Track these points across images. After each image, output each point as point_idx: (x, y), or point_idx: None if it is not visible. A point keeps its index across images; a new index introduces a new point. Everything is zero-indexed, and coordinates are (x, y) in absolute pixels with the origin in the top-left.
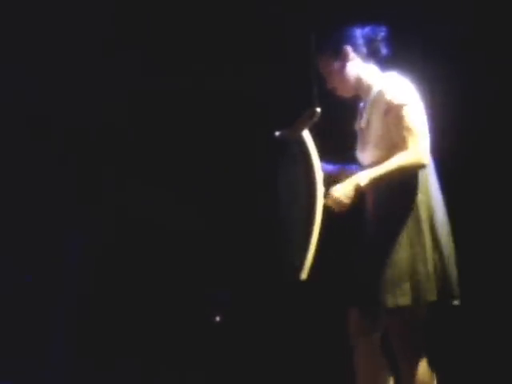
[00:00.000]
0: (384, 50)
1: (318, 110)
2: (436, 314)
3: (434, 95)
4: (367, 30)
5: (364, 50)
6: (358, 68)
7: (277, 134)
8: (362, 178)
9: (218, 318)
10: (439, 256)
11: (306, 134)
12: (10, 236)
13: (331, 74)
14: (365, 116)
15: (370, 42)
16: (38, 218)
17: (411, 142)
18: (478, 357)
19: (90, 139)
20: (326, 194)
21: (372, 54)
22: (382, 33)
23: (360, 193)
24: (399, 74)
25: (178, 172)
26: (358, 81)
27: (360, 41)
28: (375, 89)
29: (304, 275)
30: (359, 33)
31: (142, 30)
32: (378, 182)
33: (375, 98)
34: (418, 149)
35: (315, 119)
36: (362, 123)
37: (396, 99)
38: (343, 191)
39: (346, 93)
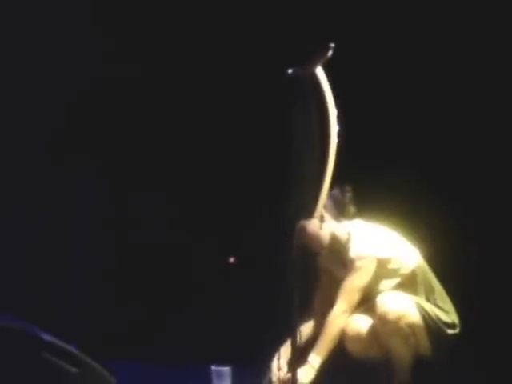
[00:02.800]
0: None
1: (332, 45)
2: None
3: None
4: (335, 191)
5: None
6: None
7: (290, 71)
8: (314, 361)
9: (231, 259)
10: None
11: (320, 71)
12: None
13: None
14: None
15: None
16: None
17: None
18: None
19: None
20: None
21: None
22: (348, 193)
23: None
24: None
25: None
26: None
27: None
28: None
29: (320, 212)
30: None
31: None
32: (328, 351)
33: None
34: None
35: (328, 55)
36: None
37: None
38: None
39: (321, 249)
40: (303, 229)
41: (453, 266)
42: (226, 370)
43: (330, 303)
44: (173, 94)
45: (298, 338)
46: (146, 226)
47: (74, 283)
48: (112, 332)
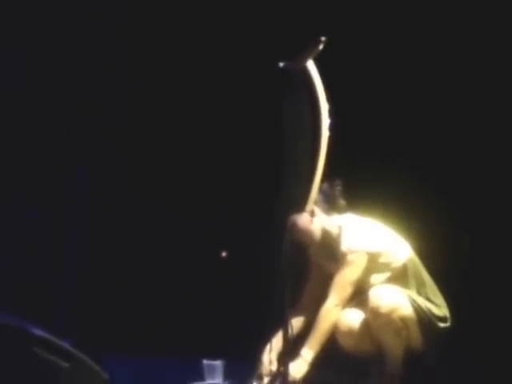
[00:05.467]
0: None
1: (323, 38)
2: None
3: None
4: (325, 185)
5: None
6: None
7: (281, 64)
8: (306, 355)
9: (223, 254)
10: None
11: (311, 64)
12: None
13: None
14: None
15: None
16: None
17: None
18: None
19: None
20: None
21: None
22: (338, 187)
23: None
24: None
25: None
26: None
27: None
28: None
29: (310, 206)
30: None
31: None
32: (320, 345)
33: None
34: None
35: (320, 48)
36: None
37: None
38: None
39: (312, 243)
40: (294, 223)
41: (444, 258)
42: (218, 363)
43: (320, 297)
44: (166, 88)
45: (289, 332)
46: (140, 221)
47: (71, 281)
48: (105, 326)
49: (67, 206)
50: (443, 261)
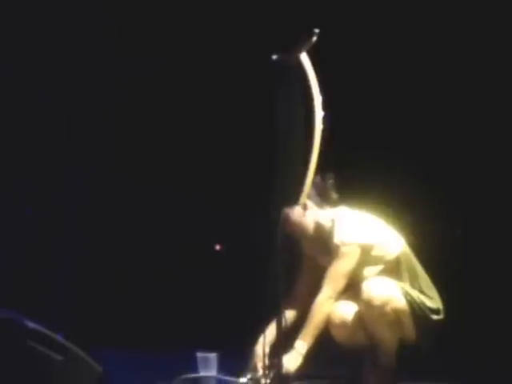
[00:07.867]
0: (334, 196)
1: (316, 30)
2: None
3: None
4: (317, 179)
5: (317, 198)
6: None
7: (274, 57)
8: (300, 347)
9: (217, 247)
10: None
11: (304, 56)
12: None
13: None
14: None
15: (320, 190)
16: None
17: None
18: None
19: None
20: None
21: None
22: (330, 180)
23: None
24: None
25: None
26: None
27: (312, 191)
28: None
29: (303, 199)
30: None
31: None
32: (314, 337)
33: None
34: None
35: (313, 41)
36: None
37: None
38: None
39: (305, 237)
40: (287, 217)
41: (437, 252)
42: (212, 356)
43: (313, 289)
44: (161, 87)
45: (283, 325)
46: (138, 218)
47: (69, 276)
48: (100, 319)
49: (65, 204)
50: (436, 254)
